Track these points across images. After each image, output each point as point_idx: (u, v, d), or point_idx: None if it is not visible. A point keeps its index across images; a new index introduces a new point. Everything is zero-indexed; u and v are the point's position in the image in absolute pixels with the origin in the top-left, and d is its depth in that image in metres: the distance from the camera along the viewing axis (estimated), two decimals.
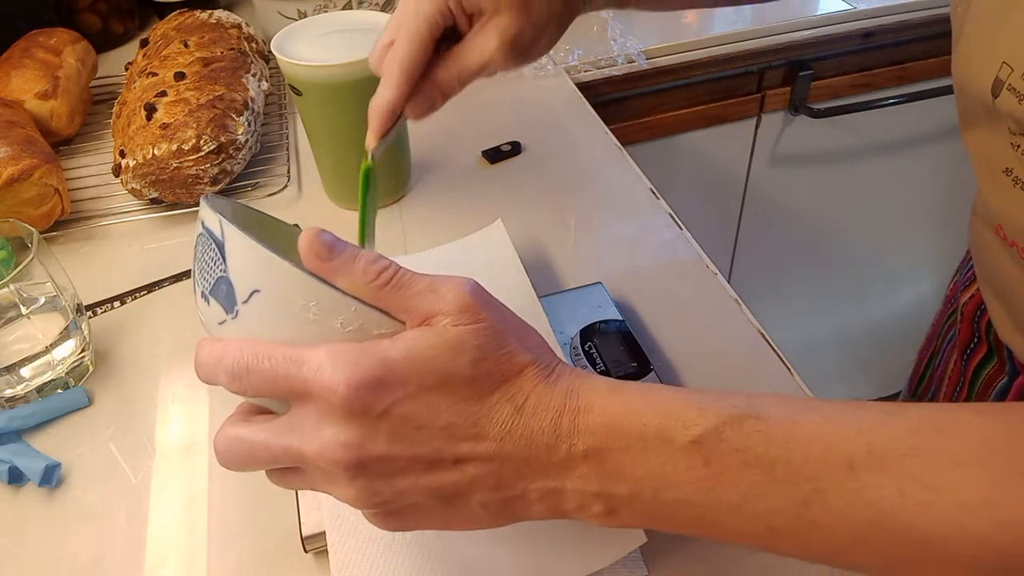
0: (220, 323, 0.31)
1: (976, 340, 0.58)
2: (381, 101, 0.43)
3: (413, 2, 0.42)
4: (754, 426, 0.29)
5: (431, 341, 0.29)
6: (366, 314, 0.30)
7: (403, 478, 0.30)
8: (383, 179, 0.71)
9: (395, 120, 0.44)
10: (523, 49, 0.43)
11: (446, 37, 0.43)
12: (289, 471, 0.32)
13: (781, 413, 0.30)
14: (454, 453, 0.30)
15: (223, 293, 0.31)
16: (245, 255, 0.30)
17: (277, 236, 0.40)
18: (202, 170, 0.68)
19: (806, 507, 0.29)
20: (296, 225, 0.68)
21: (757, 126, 1.09)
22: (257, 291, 0.30)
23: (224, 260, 0.31)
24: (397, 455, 0.30)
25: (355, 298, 0.30)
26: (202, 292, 0.32)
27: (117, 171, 0.70)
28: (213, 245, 0.31)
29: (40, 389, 0.54)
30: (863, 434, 0.29)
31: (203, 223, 0.32)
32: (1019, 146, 0.40)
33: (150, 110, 0.70)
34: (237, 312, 0.31)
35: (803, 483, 0.29)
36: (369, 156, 0.45)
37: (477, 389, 0.30)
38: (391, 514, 0.32)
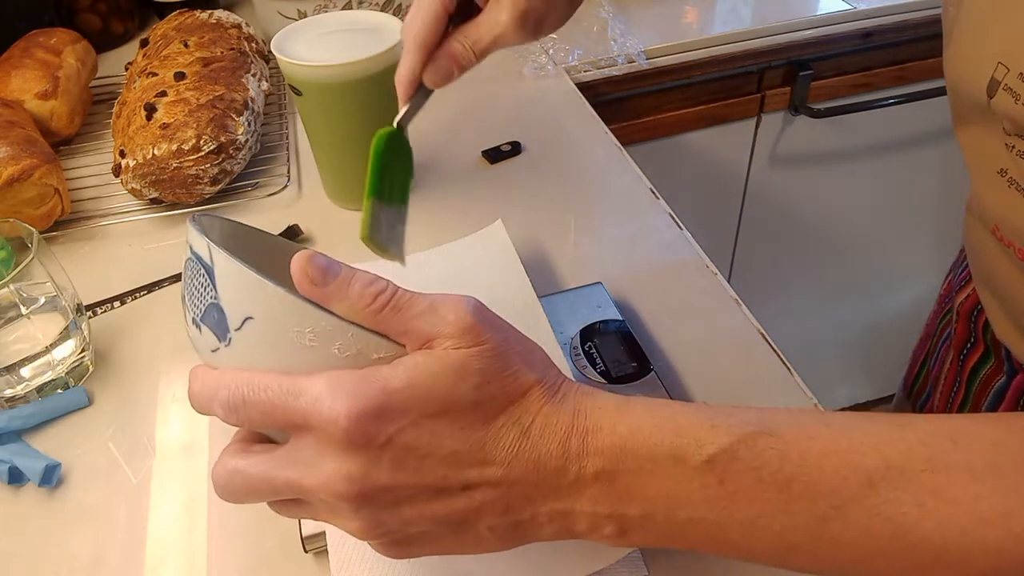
0: (213, 351, 0.30)
1: (973, 340, 0.58)
2: (400, 70, 0.45)
3: None
4: (768, 443, 0.29)
5: (433, 367, 0.29)
6: (364, 339, 0.29)
7: (409, 507, 0.30)
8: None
9: (416, 88, 0.45)
10: (535, 24, 0.44)
11: (463, 10, 0.45)
12: (292, 502, 0.32)
13: (794, 428, 0.30)
14: (460, 480, 0.29)
15: (214, 320, 0.30)
16: (236, 281, 0.29)
17: (272, 253, 0.39)
18: (202, 170, 0.68)
19: (824, 524, 0.29)
20: (293, 226, 0.68)
21: (757, 126, 1.09)
22: (250, 318, 0.29)
23: (214, 286, 0.29)
24: (402, 485, 0.29)
25: (352, 323, 0.29)
26: (193, 319, 0.31)
27: (117, 171, 0.70)
28: (202, 271, 0.30)
29: (40, 389, 0.54)
30: (878, 448, 0.29)
31: (191, 247, 0.31)
32: (1014, 147, 0.40)
33: (150, 110, 0.70)
34: (230, 340, 0.30)
35: (820, 500, 0.29)
36: (395, 122, 0.45)
37: (482, 413, 0.29)
38: (398, 543, 0.31)
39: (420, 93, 0.46)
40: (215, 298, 0.29)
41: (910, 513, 0.28)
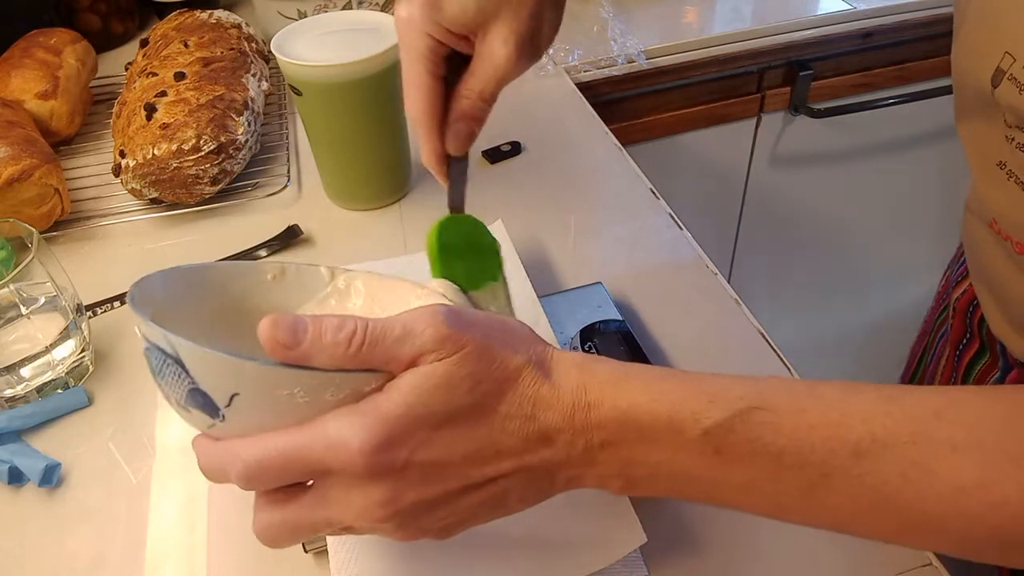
0: (210, 427, 0.31)
1: (968, 336, 0.58)
2: (423, 154, 0.44)
3: (404, 44, 0.41)
4: (762, 417, 0.31)
5: (424, 384, 0.30)
6: (352, 379, 0.30)
7: (443, 508, 0.32)
8: (386, 178, 0.71)
9: (446, 163, 0.44)
10: (532, 45, 0.42)
11: (454, 67, 0.42)
12: (341, 528, 0.33)
13: (787, 402, 0.31)
14: (482, 475, 0.31)
15: (200, 402, 0.29)
16: (209, 365, 0.29)
17: (227, 282, 0.39)
18: (202, 170, 0.68)
19: (812, 490, 0.31)
20: (293, 226, 0.68)
21: (757, 126, 1.09)
22: (237, 394, 0.29)
23: (188, 373, 0.29)
24: (430, 496, 0.31)
25: (336, 370, 0.29)
26: (177, 402, 0.31)
27: (117, 171, 0.70)
28: (169, 360, 0.29)
29: (40, 389, 0.54)
30: (866, 422, 0.30)
31: (146, 338, 0.30)
32: (1014, 139, 0.40)
33: (150, 110, 0.70)
34: (223, 416, 0.30)
35: (810, 469, 0.30)
36: (448, 207, 0.44)
37: (483, 411, 0.31)
38: (444, 531, 0.33)
39: (455, 167, 0.44)
40: (193, 383, 0.29)
41: (892, 483, 0.30)
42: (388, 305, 0.40)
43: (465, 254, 0.43)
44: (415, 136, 0.45)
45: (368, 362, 0.30)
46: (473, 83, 0.42)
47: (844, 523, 0.32)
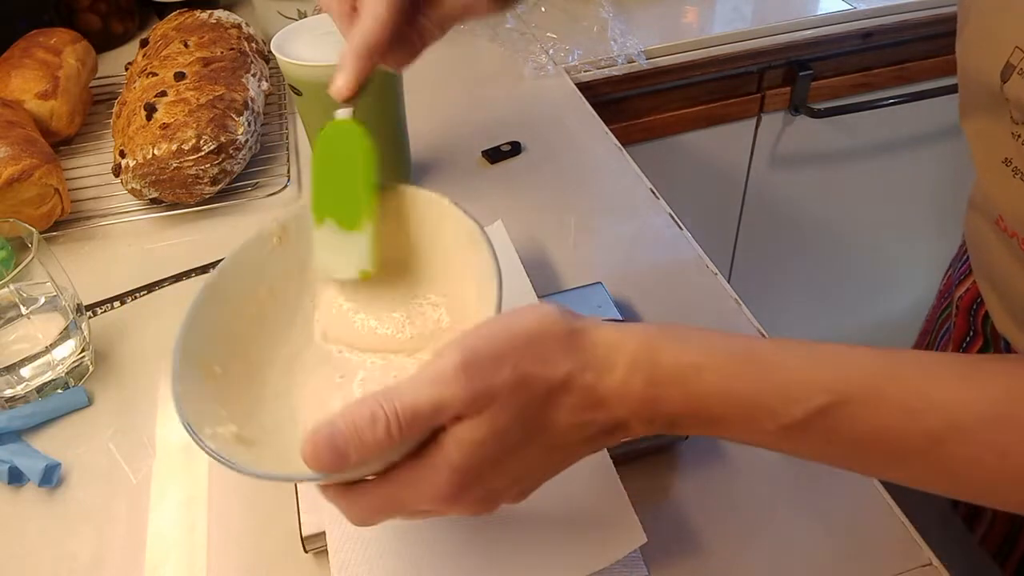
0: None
1: (972, 333, 0.58)
2: (363, 37, 0.39)
3: None
4: (841, 413, 0.31)
5: (472, 441, 0.30)
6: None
7: (538, 488, 0.34)
8: (385, 178, 0.71)
9: (374, 66, 0.39)
10: None
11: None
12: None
13: (865, 392, 0.31)
14: (562, 466, 0.34)
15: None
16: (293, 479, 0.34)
17: (239, 277, 0.41)
18: (202, 170, 0.68)
19: (884, 469, 0.33)
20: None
21: (757, 126, 1.09)
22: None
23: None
24: (522, 490, 0.34)
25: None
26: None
27: (117, 171, 0.70)
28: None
29: (40, 389, 0.54)
30: (946, 406, 0.31)
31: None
32: (1020, 135, 0.40)
33: (150, 110, 0.70)
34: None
35: (886, 450, 0.31)
36: (350, 112, 0.39)
37: (540, 431, 0.31)
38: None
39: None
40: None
41: (966, 465, 0.30)
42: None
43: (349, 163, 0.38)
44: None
45: (413, 439, 0.30)
46: (436, 8, 0.42)
47: (916, 487, 0.33)
